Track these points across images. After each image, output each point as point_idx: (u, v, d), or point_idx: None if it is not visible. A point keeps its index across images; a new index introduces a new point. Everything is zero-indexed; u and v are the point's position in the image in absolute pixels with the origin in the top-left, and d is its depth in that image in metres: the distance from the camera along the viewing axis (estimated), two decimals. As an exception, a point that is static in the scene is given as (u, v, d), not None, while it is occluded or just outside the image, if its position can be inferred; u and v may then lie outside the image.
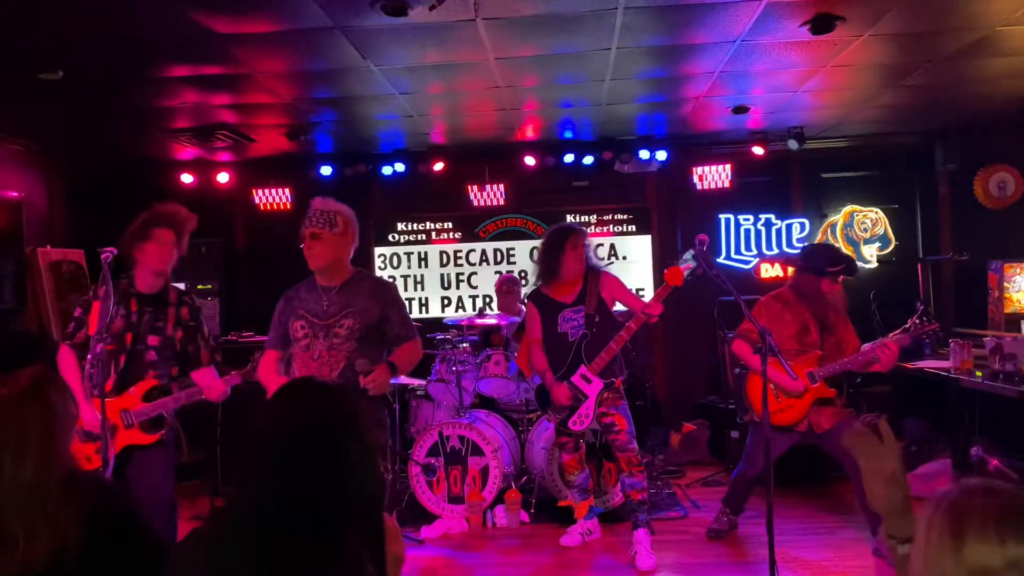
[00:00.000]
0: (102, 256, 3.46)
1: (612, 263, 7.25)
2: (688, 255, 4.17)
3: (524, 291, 6.31)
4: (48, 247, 6.12)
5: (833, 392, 4.37)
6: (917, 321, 4.27)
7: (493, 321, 5.69)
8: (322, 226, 3.32)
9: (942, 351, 5.77)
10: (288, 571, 1.41)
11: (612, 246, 7.41)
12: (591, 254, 4.55)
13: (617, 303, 4.58)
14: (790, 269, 7.10)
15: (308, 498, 1.46)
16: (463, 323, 5.70)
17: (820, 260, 4.44)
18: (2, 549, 1.60)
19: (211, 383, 3.65)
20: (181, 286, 3.97)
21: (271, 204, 7.39)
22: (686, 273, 4.15)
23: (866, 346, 4.34)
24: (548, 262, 4.51)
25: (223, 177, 7.20)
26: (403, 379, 5.72)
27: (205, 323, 3.85)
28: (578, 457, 4.68)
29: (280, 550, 1.42)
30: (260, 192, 7.37)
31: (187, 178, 7.17)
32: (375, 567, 1.51)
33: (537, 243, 7.32)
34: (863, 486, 1.50)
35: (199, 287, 6.83)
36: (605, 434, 4.57)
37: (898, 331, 4.30)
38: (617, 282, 4.58)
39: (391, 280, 7.02)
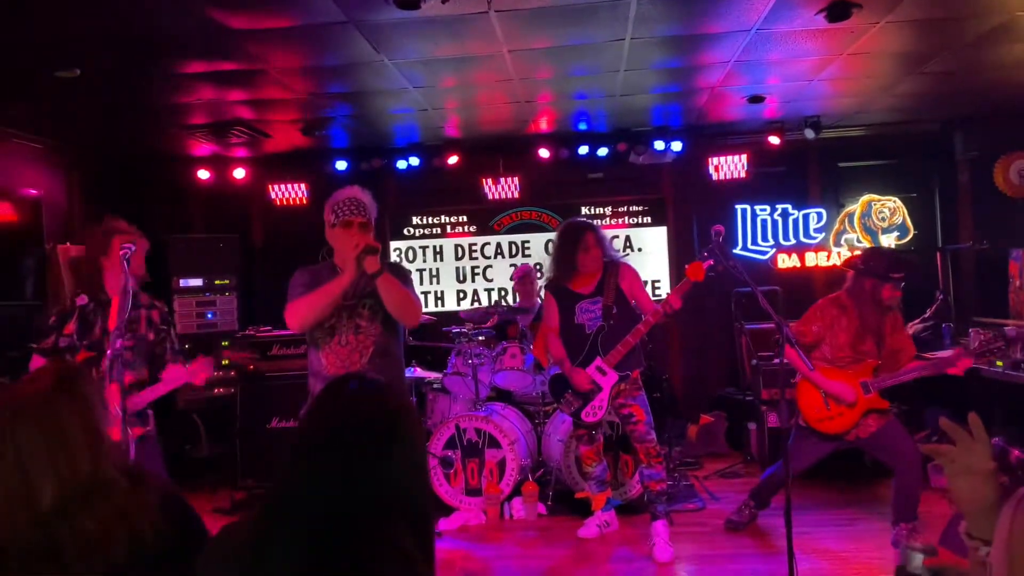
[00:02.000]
0: (120, 252, 3.49)
1: (628, 255, 7.23)
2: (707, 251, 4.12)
3: (540, 282, 6.32)
4: (68, 243, 6.18)
5: (886, 404, 4.25)
6: (983, 338, 4.18)
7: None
8: (367, 216, 3.29)
9: (962, 340, 5.72)
10: (333, 570, 1.40)
11: (627, 238, 7.39)
12: (607, 246, 4.54)
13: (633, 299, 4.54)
14: (809, 258, 7.06)
15: (356, 496, 1.45)
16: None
17: (883, 264, 4.25)
18: (85, 549, 1.56)
19: (192, 367, 3.71)
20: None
21: (287, 199, 7.42)
22: (707, 268, 4.09)
23: (929, 359, 4.25)
24: (562, 260, 4.50)
25: (239, 173, 7.23)
26: (419, 372, 5.74)
27: (173, 328, 3.92)
28: (595, 448, 4.67)
29: (325, 548, 1.41)
30: (276, 187, 7.40)
31: (204, 174, 7.22)
32: (426, 566, 1.50)
33: (552, 236, 7.34)
34: (948, 484, 1.42)
35: (217, 282, 6.87)
36: (623, 425, 4.55)
37: (966, 351, 4.19)
38: (636, 276, 4.54)
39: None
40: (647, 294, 4.56)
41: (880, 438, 4.24)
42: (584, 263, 4.42)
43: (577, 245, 4.41)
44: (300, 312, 3.25)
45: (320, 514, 1.43)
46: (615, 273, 4.47)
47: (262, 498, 1.50)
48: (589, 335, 4.41)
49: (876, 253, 4.55)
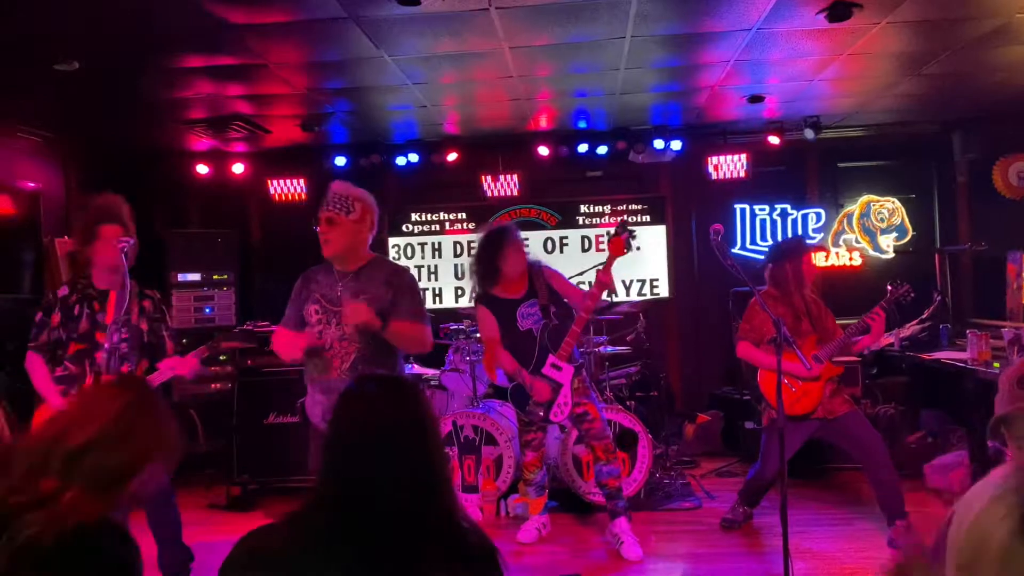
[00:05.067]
0: (119, 246, 3.48)
1: (626, 253, 7.20)
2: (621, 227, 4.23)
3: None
4: (65, 237, 6.17)
5: (841, 369, 4.46)
6: (889, 288, 4.40)
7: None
8: (338, 211, 3.23)
9: (959, 342, 5.72)
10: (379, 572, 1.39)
11: (626, 236, 7.38)
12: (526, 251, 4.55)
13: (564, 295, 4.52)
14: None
15: (395, 494, 1.44)
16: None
17: (789, 246, 4.71)
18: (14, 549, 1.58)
19: (180, 360, 3.68)
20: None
21: (286, 195, 7.41)
22: (625, 240, 4.18)
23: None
24: (487, 263, 4.44)
25: (238, 168, 7.22)
26: (416, 368, 5.74)
27: (168, 315, 3.90)
28: (540, 455, 4.65)
29: (370, 550, 1.40)
30: (275, 183, 7.39)
31: (202, 169, 7.21)
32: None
33: (551, 234, 7.37)
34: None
35: (215, 277, 6.87)
36: (578, 425, 4.51)
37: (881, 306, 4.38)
38: (560, 274, 4.58)
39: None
40: (575, 288, 4.57)
41: (846, 424, 4.35)
42: (510, 259, 4.38)
43: (504, 241, 4.40)
44: (276, 348, 3.34)
45: (361, 516, 1.42)
46: (540, 274, 4.48)
47: (300, 504, 1.49)
48: (536, 336, 4.38)
49: (778, 244, 5.14)
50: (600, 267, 4.21)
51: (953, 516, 1.12)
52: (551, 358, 4.34)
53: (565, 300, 4.48)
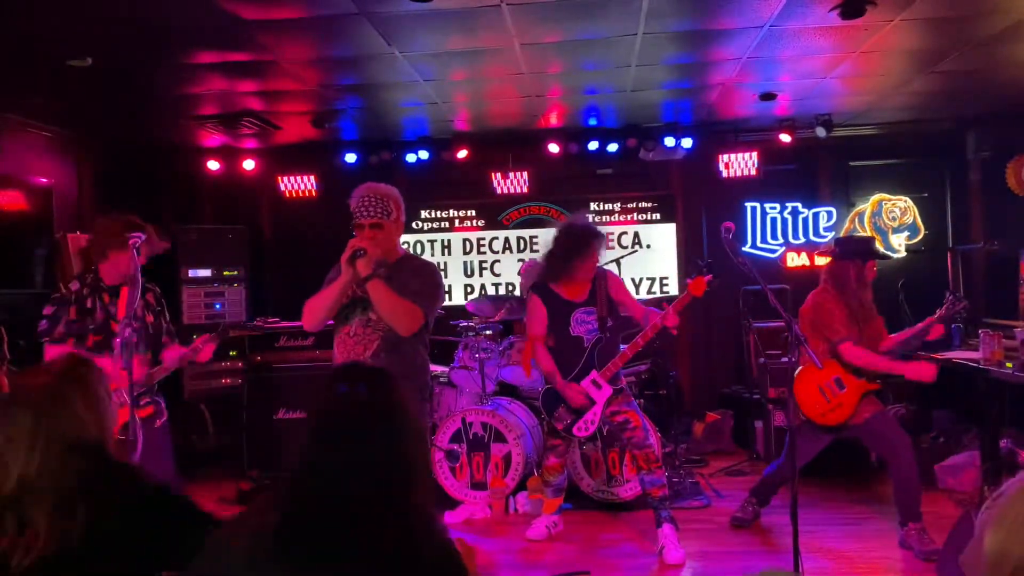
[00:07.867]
0: (130, 241, 3.50)
1: (636, 251, 7.22)
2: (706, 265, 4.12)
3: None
4: (78, 232, 6.19)
5: (877, 385, 4.28)
6: (950, 298, 4.29)
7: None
8: (381, 215, 3.24)
9: (971, 341, 5.68)
10: (319, 564, 1.42)
11: (636, 234, 7.37)
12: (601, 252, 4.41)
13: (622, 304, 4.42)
14: (819, 257, 7.02)
15: (349, 485, 1.47)
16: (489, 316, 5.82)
17: (861, 247, 4.47)
18: (22, 540, 1.60)
19: (195, 346, 3.75)
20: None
21: (296, 191, 7.43)
22: (708, 282, 4.06)
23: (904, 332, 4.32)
24: (559, 262, 4.30)
25: (249, 164, 7.24)
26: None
27: (167, 309, 3.97)
28: (563, 462, 4.63)
29: (316, 543, 1.43)
30: (285, 179, 7.41)
31: (213, 165, 7.23)
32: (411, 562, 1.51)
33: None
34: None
35: (225, 273, 6.89)
36: (619, 433, 4.46)
37: (931, 318, 4.29)
38: (621, 283, 4.52)
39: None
40: (635, 299, 4.48)
41: (873, 425, 4.27)
42: (581, 272, 4.27)
43: (580, 253, 4.23)
44: (305, 314, 3.28)
45: (331, 504, 1.45)
46: (604, 281, 4.35)
47: (275, 489, 1.53)
48: (587, 348, 4.28)
49: (847, 239, 4.84)
50: (672, 301, 4.17)
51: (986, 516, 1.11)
52: (594, 374, 4.27)
53: (621, 311, 4.36)
